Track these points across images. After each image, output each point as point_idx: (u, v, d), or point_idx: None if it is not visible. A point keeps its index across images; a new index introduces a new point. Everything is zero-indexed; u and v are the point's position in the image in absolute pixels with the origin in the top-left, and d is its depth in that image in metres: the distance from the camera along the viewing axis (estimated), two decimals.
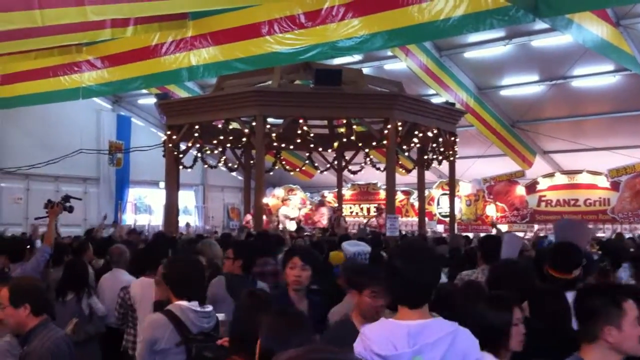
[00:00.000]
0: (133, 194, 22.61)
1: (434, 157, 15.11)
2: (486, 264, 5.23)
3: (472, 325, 2.68)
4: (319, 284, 4.94)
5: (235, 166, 16.63)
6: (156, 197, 21.11)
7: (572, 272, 3.94)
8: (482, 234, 12.09)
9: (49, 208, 6.27)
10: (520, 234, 14.68)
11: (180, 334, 3.47)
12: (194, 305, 3.58)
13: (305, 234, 14.04)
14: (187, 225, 15.86)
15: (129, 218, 21.32)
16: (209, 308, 3.66)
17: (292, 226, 16.28)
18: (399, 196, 20.72)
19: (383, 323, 2.65)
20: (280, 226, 16.20)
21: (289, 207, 17.78)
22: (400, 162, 15.71)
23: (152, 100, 17.76)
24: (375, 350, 2.53)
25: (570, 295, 3.77)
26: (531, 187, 19.48)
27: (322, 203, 17.93)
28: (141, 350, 3.58)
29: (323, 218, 16.51)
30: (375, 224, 16.09)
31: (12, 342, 3.56)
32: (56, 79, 13.46)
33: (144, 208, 23.53)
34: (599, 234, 14.88)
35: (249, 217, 15.92)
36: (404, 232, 15.43)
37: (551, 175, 19.32)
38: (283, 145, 15.08)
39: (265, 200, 20.48)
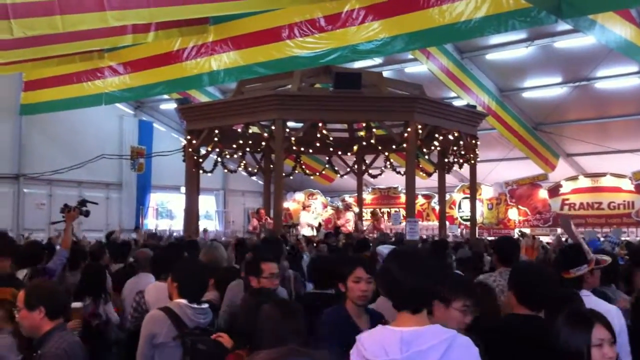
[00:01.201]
0: (155, 199, 22.74)
1: (455, 160, 14.99)
2: (504, 267, 5.15)
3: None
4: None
5: (255, 170, 16.64)
6: (178, 202, 21.20)
7: (569, 271, 3.88)
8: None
9: (65, 212, 6.29)
10: (546, 238, 14.55)
11: (178, 328, 3.68)
12: (189, 302, 3.80)
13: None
14: (204, 230, 15.80)
15: (151, 223, 21.45)
16: (205, 305, 3.88)
17: (311, 232, 16.21)
18: (420, 200, 20.61)
19: (379, 330, 2.61)
20: (301, 231, 16.18)
21: (309, 213, 17.70)
22: (420, 166, 15.61)
23: (173, 106, 17.87)
24: (366, 356, 2.50)
25: (586, 298, 3.74)
26: (554, 191, 19.25)
27: (347, 208, 17.87)
28: (141, 345, 3.78)
29: (349, 224, 16.42)
30: (370, 229, 15.95)
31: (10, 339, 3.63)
32: (79, 85, 13.61)
33: (166, 213, 23.67)
34: (623, 237, 14.64)
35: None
36: (424, 237, 15.30)
37: (574, 178, 19.08)
38: (303, 149, 15.05)
39: (285, 204, 20.54)
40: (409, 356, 2.44)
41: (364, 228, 16.32)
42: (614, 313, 3.65)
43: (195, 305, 3.79)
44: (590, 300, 3.78)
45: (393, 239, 12.49)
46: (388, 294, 2.66)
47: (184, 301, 3.78)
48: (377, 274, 2.80)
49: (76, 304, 4.96)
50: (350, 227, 16.15)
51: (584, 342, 2.66)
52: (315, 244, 11.49)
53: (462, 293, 3.11)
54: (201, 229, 15.15)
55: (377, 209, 20.25)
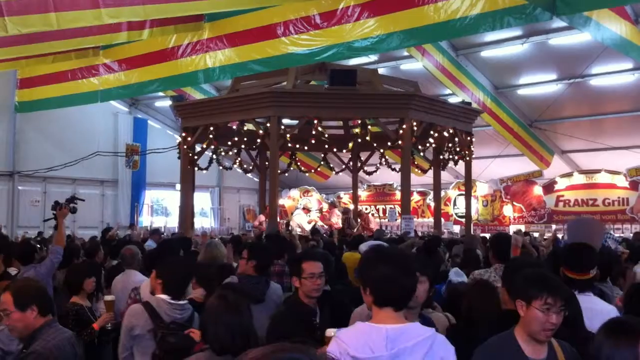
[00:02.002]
0: (150, 196, 22.71)
1: (450, 157, 15.01)
2: (499, 263, 5.17)
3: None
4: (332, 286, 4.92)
5: (250, 168, 16.64)
6: (173, 199, 21.19)
7: (589, 272, 3.88)
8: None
9: (57, 210, 6.28)
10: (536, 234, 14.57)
11: (154, 322, 3.86)
12: (170, 298, 3.98)
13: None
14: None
15: (146, 220, 21.43)
16: (184, 301, 4.03)
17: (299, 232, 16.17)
18: (415, 197, 20.65)
19: (360, 326, 2.60)
20: (296, 228, 16.16)
21: (305, 216, 17.63)
22: (416, 163, 15.61)
23: (168, 103, 17.84)
24: (351, 353, 2.49)
25: (587, 297, 3.74)
26: (549, 187, 19.30)
27: (334, 204, 17.85)
28: (122, 336, 4.01)
29: (339, 219, 16.42)
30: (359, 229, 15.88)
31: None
32: (74, 83, 13.57)
33: (161, 210, 23.64)
34: (617, 234, 14.67)
35: (262, 217, 15.88)
36: (420, 233, 15.32)
37: (569, 175, 19.13)
38: (298, 146, 15.06)
39: (280, 201, 20.51)
40: (395, 353, 2.45)
41: (355, 228, 16.30)
42: (612, 313, 3.66)
43: (173, 301, 3.92)
44: (589, 299, 3.79)
45: (389, 236, 12.51)
46: (374, 289, 2.63)
47: (163, 297, 3.94)
48: (363, 269, 2.74)
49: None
50: (340, 222, 16.14)
51: (633, 357, 2.37)
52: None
53: (543, 290, 2.82)
54: (198, 226, 15.11)
55: (362, 209, 20.20)
